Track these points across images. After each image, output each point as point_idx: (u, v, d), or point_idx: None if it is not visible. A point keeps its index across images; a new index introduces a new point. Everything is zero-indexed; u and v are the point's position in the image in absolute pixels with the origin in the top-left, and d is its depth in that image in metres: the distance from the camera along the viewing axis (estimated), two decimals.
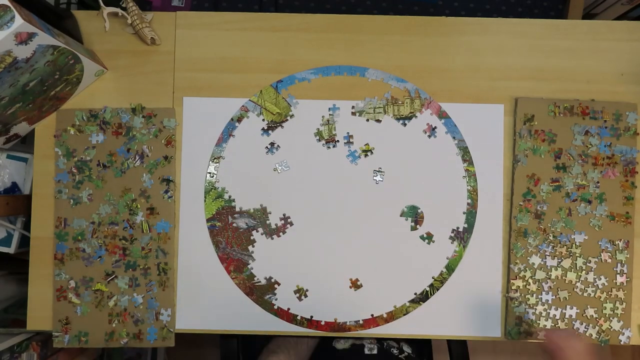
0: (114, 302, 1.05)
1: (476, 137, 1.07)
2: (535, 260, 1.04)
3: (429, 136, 1.06)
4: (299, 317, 1.06)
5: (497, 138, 1.06)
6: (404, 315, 1.05)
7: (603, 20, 1.11)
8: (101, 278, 1.05)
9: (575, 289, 1.04)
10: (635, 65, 1.07)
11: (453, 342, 1.17)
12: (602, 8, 1.45)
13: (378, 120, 1.07)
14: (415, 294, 1.05)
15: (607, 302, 1.03)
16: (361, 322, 1.05)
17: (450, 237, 1.05)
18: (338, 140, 1.07)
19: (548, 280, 1.04)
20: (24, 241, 1.16)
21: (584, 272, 1.04)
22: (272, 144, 1.07)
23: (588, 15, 1.49)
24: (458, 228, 1.06)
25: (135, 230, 1.06)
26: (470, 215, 1.06)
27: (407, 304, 1.05)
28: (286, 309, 1.06)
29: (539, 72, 1.08)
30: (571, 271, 1.04)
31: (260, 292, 1.06)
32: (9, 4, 0.76)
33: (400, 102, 1.07)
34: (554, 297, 1.04)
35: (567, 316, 1.03)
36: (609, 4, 1.42)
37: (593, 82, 1.07)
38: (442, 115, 1.07)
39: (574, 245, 1.04)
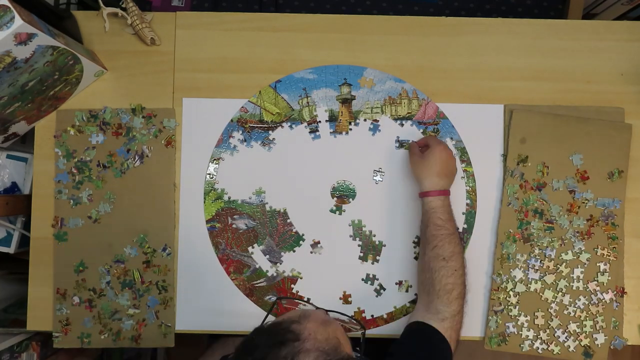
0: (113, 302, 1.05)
1: (475, 138, 1.06)
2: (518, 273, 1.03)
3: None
4: None
5: (496, 138, 1.06)
6: (404, 315, 1.05)
7: (603, 20, 1.12)
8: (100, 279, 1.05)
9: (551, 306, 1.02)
10: (635, 65, 1.07)
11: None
12: (602, 8, 1.45)
13: (375, 120, 1.07)
14: (416, 294, 1.05)
15: (587, 320, 1.01)
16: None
17: None
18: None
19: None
20: (24, 241, 1.16)
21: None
22: (271, 144, 1.07)
23: (588, 15, 1.48)
24: (458, 229, 1.05)
25: None
26: (470, 215, 1.05)
27: (407, 305, 1.05)
28: (287, 310, 1.05)
29: (539, 72, 1.07)
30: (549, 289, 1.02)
31: (260, 293, 1.06)
32: (8, 4, 0.76)
33: (398, 103, 1.07)
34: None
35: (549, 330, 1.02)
36: (609, 4, 1.41)
37: (593, 82, 1.07)
38: (439, 116, 1.07)
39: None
